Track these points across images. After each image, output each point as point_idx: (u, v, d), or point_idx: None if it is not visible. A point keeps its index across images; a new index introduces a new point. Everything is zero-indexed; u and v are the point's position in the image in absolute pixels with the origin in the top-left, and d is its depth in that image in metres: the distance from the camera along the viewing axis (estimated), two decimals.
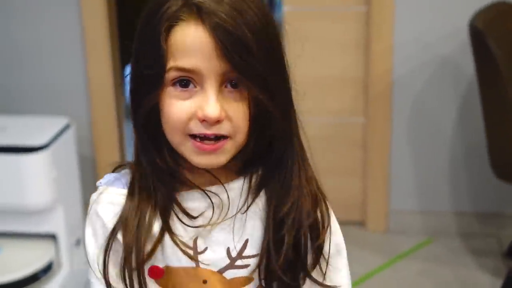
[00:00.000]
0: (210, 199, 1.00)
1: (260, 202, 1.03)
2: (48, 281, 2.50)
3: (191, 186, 1.01)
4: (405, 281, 2.71)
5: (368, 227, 3.06)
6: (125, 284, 1.02)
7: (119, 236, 1.02)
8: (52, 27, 2.92)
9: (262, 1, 0.96)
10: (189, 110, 0.93)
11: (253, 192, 1.02)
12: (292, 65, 1.01)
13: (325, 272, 1.06)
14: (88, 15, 2.87)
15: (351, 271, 1.12)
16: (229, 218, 1.02)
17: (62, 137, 2.55)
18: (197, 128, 0.93)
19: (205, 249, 1.03)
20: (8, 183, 2.42)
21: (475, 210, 3.00)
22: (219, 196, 1.01)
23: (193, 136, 0.94)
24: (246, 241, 1.03)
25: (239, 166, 1.02)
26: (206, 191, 1.00)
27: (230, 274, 1.04)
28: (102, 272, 1.03)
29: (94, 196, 1.06)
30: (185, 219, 1.01)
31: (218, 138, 0.94)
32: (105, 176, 1.08)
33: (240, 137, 0.95)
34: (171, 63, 0.92)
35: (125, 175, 1.06)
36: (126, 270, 1.01)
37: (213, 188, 1.01)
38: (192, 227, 1.01)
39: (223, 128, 0.93)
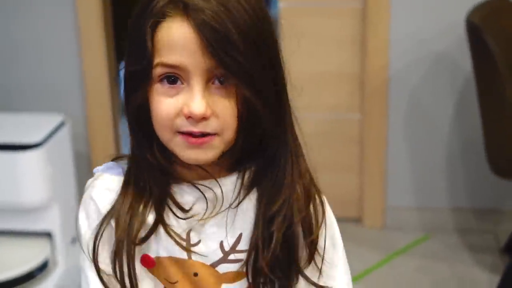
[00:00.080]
0: (202, 192, 1.01)
1: (254, 198, 1.03)
2: (44, 279, 2.49)
3: (184, 180, 1.01)
4: (402, 277, 2.71)
5: (365, 223, 3.06)
6: (115, 270, 1.02)
7: (112, 222, 1.02)
8: (48, 25, 2.91)
9: None
10: (176, 107, 0.93)
11: (245, 189, 1.02)
12: (288, 61, 1.00)
13: (321, 267, 1.06)
14: (83, 13, 2.86)
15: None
16: (222, 212, 1.02)
17: (57, 134, 2.54)
18: (184, 125, 0.93)
19: (198, 241, 1.03)
20: (3, 181, 2.41)
21: (472, 206, 3.00)
22: (212, 190, 1.01)
23: (181, 133, 0.95)
24: (240, 235, 1.04)
25: (231, 162, 1.02)
26: (198, 184, 1.01)
27: (223, 268, 1.04)
28: (92, 257, 1.03)
29: (89, 181, 1.07)
30: (178, 212, 1.02)
31: (204, 135, 0.94)
32: (103, 164, 1.09)
33: (228, 134, 0.95)
34: (157, 59, 0.93)
35: (122, 164, 1.06)
36: (116, 257, 1.02)
37: (206, 183, 1.01)
38: (182, 218, 1.02)
39: (210, 126, 0.93)
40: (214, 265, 1.04)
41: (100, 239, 1.02)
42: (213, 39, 0.89)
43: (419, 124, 2.94)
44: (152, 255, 1.04)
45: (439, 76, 2.86)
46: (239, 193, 1.02)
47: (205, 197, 1.01)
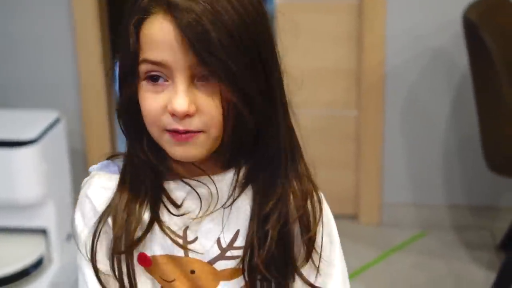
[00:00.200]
0: (193, 188, 1.01)
1: (250, 195, 1.03)
2: (39, 276, 2.48)
3: (179, 177, 1.01)
4: (399, 274, 2.71)
5: (361, 220, 3.05)
6: (113, 269, 1.02)
7: (109, 220, 1.02)
8: (42, 21, 2.91)
9: None
10: (161, 104, 0.93)
11: (240, 186, 1.02)
12: (284, 57, 0.99)
13: (318, 265, 1.05)
14: (79, 10, 2.86)
15: None
16: (218, 209, 1.02)
17: (52, 131, 2.53)
18: (170, 123, 0.94)
19: (195, 239, 1.03)
20: None
21: (468, 203, 3.00)
22: (208, 187, 1.01)
23: (168, 131, 0.95)
24: (237, 232, 1.03)
25: (225, 159, 1.01)
26: (191, 180, 1.00)
27: (221, 265, 1.04)
28: (90, 256, 1.03)
29: (85, 180, 1.07)
30: (173, 209, 1.02)
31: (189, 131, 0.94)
32: (99, 163, 1.09)
33: (214, 131, 0.94)
34: (141, 56, 0.93)
35: (118, 163, 1.06)
36: (115, 256, 1.02)
37: (200, 179, 1.01)
38: (175, 215, 1.02)
39: (194, 124, 0.93)
40: (211, 262, 1.04)
41: (98, 237, 1.02)
42: (193, 37, 0.89)
43: (416, 121, 2.94)
44: (149, 253, 1.04)
45: (436, 72, 2.85)
46: (233, 190, 1.02)
47: (196, 192, 1.01)
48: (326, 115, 2.99)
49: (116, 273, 1.02)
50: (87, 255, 1.03)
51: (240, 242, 1.03)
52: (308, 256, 1.04)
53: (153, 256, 1.04)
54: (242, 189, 1.02)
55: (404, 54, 2.85)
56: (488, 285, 2.53)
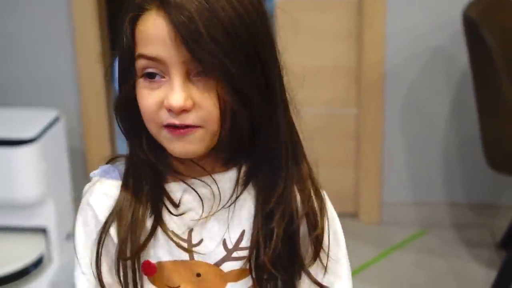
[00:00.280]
0: (193, 188, 1.00)
1: (253, 193, 1.02)
2: (39, 275, 2.48)
3: (180, 177, 1.01)
4: (399, 272, 2.70)
5: (361, 218, 3.05)
6: (119, 277, 1.01)
7: (111, 230, 1.01)
8: (41, 19, 2.90)
9: None
10: (158, 100, 0.93)
11: (242, 184, 1.01)
12: (284, 55, 0.99)
13: (326, 264, 1.05)
14: (78, 8, 2.85)
15: None
16: (223, 209, 1.01)
17: (51, 129, 2.53)
18: (166, 118, 0.93)
19: (201, 241, 1.02)
20: None
21: (468, 201, 2.99)
22: (210, 186, 1.00)
23: (166, 127, 0.95)
24: (243, 232, 1.03)
25: (226, 158, 1.01)
26: (194, 179, 1.00)
27: (227, 266, 1.03)
28: (95, 266, 1.02)
29: (87, 186, 1.06)
30: (175, 211, 1.01)
31: (187, 126, 0.94)
32: (99, 168, 1.07)
33: (212, 126, 0.94)
34: (138, 51, 0.94)
35: (119, 167, 1.06)
36: (120, 263, 1.01)
37: (202, 178, 1.00)
38: (175, 215, 1.01)
39: (191, 118, 0.93)
40: (218, 264, 1.03)
41: (102, 247, 1.02)
42: (186, 34, 0.89)
43: (416, 119, 2.93)
44: (154, 260, 1.03)
45: (436, 70, 2.85)
46: (235, 189, 1.01)
47: (196, 192, 1.00)
48: (326, 113, 2.99)
49: (122, 279, 1.01)
50: (88, 264, 1.03)
51: (246, 242, 1.02)
52: (316, 256, 1.04)
53: (159, 263, 1.03)
54: (244, 187, 1.01)
55: (404, 52, 2.85)
56: (488, 283, 2.52)
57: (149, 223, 1.01)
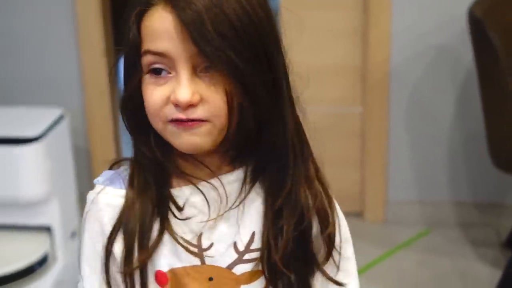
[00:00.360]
0: (202, 192, 0.99)
1: (262, 193, 1.02)
2: (43, 274, 2.48)
3: (186, 180, 1.00)
4: (404, 271, 2.70)
5: (366, 217, 3.05)
6: (125, 282, 1.00)
7: (115, 245, 1.00)
8: (45, 17, 2.90)
9: None
10: (164, 95, 0.93)
11: (249, 183, 1.01)
12: (288, 53, 0.99)
13: (339, 262, 1.06)
14: (82, 5, 2.85)
15: None
16: (231, 210, 1.00)
17: (56, 128, 2.53)
18: (172, 113, 0.93)
19: (211, 245, 1.01)
20: (2, 175, 2.40)
21: (473, 200, 2.99)
22: (217, 190, 0.99)
23: (172, 121, 0.94)
24: (253, 234, 1.02)
25: (231, 157, 1.00)
26: (200, 180, 0.99)
27: (240, 269, 1.02)
28: (106, 276, 1.01)
29: (91, 195, 1.04)
30: (181, 215, 1.00)
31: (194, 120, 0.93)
32: (102, 174, 1.06)
33: (219, 121, 0.93)
34: (144, 47, 0.93)
35: (123, 173, 1.04)
36: (127, 273, 0.99)
37: (208, 179, 0.99)
38: (181, 219, 1.00)
39: (198, 113, 0.92)
40: (230, 267, 1.02)
41: (109, 259, 1.01)
42: (192, 28, 0.89)
43: (421, 118, 2.93)
44: (164, 269, 1.02)
45: (441, 69, 2.84)
46: (242, 188, 1.00)
47: (203, 194, 0.99)
48: (330, 112, 2.98)
49: (129, 285, 1.00)
50: (87, 276, 1.03)
51: (257, 244, 1.01)
52: (329, 255, 1.04)
53: (170, 271, 1.01)
54: (251, 186, 1.00)
55: (409, 51, 2.84)
56: (493, 282, 2.52)
57: (155, 230, 1.00)
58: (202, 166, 0.99)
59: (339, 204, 1.09)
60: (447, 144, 2.94)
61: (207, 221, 1.00)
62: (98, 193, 1.03)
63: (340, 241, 1.06)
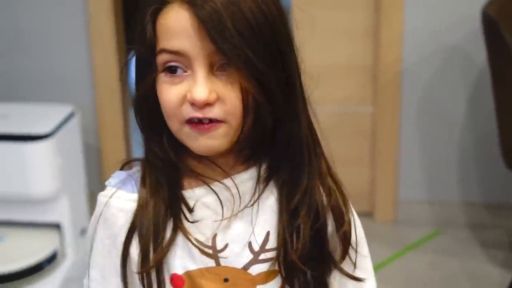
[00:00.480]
0: (215, 193, 0.98)
1: (276, 192, 1.01)
2: (53, 271, 2.49)
3: (198, 180, 0.99)
4: (414, 272, 2.69)
5: (376, 217, 3.04)
6: (143, 283, 0.99)
7: (132, 244, 0.99)
8: (57, 14, 2.90)
9: None
10: (180, 94, 0.92)
11: (263, 182, 1.00)
12: (300, 52, 0.99)
13: (355, 260, 1.05)
14: (93, 3, 2.85)
15: None
16: (245, 210, 1.00)
17: (66, 125, 2.53)
18: (188, 112, 0.92)
19: (226, 246, 1.00)
20: (12, 171, 2.41)
21: (484, 200, 2.98)
22: (230, 190, 0.99)
23: (189, 123, 0.93)
24: (268, 233, 1.01)
25: (246, 156, 1.00)
26: (214, 181, 0.98)
27: (255, 269, 1.01)
28: (124, 283, 1.01)
29: (102, 198, 1.03)
30: (193, 216, 0.99)
31: (212, 121, 0.92)
32: (114, 175, 1.05)
33: (235, 120, 0.92)
34: (159, 46, 0.92)
35: (135, 174, 1.03)
36: (143, 272, 0.98)
37: (225, 181, 0.99)
38: (191, 222, 0.99)
39: (214, 112, 0.91)
40: (246, 267, 1.01)
41: (126, 266, 1.00)
42: (210, 25, 0.88)
43: (432, 118, 2.92)
44: (180, 272, 1.01)
45: (453, 69, 2.83)
46: (256, 187, 1.00)
47: (217, 195, 0.99)
48: (341, 111, 2.98)
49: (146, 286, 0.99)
50: (94, 280, 1.02)
51: (272, 243, 1.01)
52: (345, 253, 1.04)
53: (186, 273, 1.01)
54: (266, 184, 1.00)
55: (421, 50, 2.83)
56: (503, 284, 2.51)
57: (169, 231, 0.99)
58: (215, 166, 0.98)
59: None
60: (458, 144, 2.93)
61: (221, 220, 0.99)
62: (110, 196, 1.02)
63: (356, 239, 1.06)
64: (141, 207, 0.99)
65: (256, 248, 1.01)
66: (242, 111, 0.92)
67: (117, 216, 1.01)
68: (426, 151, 2.96)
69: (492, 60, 2.40)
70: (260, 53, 0.90)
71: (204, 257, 0.99)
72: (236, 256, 1.00)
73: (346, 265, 1.05)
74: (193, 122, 0.92)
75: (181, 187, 1.00)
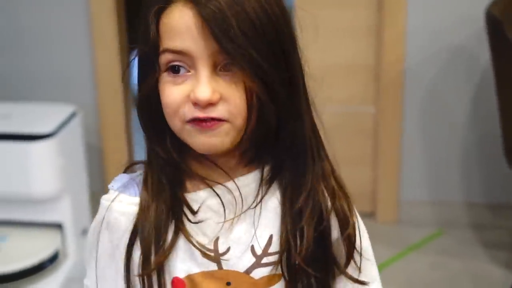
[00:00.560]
0: (217, 194, 0.98)
1: (279, 195, 1.00)
2: (54, 271, 2.49)
3: (200, 183, 0.99)
4: (416, 272, 2.69)
5: (378, 217, 3.03)
6: (143, 285, 0.99)
7: (134, 247, 0.99)
8: (59, 14, 2.90)
9: None
10: (183, 94, 0.92)
11: (266, 184, 1.00)
12: (302, 52, 0.98)
13: (360, 264, 1.05)
14: (96, 2, 2.85)
15: None
16: (248, 211, 0.99)
17: (68, 125, 2.53)
18: (191, 112, 0.91)
19: (228, 249, 1.00)
20: (14, 171, 2.40)
21: (487, 201, 2.97)
22: (232, 193, 0.98)
23: (190, 122, 0.93)
24: (271, 237, 1.00)
25: (249, 159, 0.99)
26: (216, 183, 0.98)
27: (258, 273, 1.01)
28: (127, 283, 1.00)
29: (105, 202, 1.02)
30: (196, 218, 0.99)
31: (214, 119, 0.92)
32: (117, 178, 1.05)
33: (239, 120, 0.92)
34: (162, 46, 0.92)
35: (137, 178, 1.03)
36: (144, 275, 0.98)
37: (227, 184, 0.98)
38: (194, 223, 0.98)
39: (217, 111, 0.91)
40: (248, 271, 1.00)
41: (129, 271, 0.99)
42: (214, 24, 0.88)
43: (435, 118, 2.91)
44: (182, 275, 1.00)
45: (456, 69, 2.83)
46: (259, 189, 0.99)
47: (219, 197, 0.98)
48: (344, 111, 2.97)
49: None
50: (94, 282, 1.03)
51: (275, 247, 1.00)
52: (350, 257, 1.03)
53: (187, 277, 1.00)
54: (268, 186, 1.00)
55: (424, 50, 2.83)
56: (505, 284, 2.50)
57: (170, 233, 0.98)
58: (217, 167, 0.98)
59: None
60: (461, 145, 2.93)
61: (224, 222, 0.98)
62: (113, 200, 1.02)
63: (361, 243, 1.05)
64: (142, 210, 0.99)
65: (258, 251, 1.00)
66: (246, 111, 0.92)
67: (120, 220, 1.00)
68: (429, 151, 2.96)
69: (495, 60, 2.40)
70: (264, 53, 0.90)
71: (206, 260, 0.99)
72: (238, 259, 1.00)
73: (350, 270, 1.04)
74: (195, 120, 0.92)
75: (184, 190, 0.99)
